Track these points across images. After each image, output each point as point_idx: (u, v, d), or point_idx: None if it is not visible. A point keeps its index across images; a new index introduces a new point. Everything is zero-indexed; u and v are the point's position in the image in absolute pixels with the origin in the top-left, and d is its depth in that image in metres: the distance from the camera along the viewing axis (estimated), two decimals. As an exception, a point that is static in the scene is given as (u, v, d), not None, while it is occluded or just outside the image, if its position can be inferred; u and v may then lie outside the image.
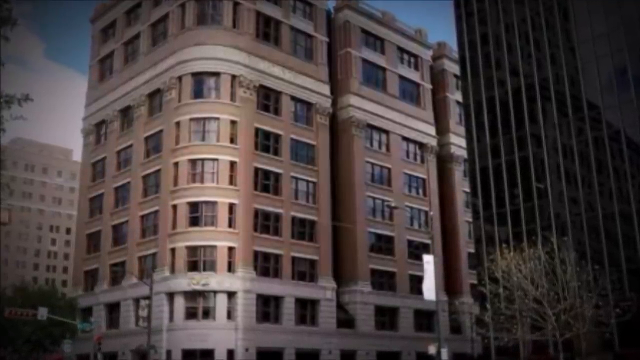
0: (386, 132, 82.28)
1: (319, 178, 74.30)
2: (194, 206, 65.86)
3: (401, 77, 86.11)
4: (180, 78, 69.75)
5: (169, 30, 73.36)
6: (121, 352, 67.67)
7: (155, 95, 73.64)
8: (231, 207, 66.00)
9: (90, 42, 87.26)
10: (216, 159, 66.96)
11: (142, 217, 71.00)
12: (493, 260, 50.45)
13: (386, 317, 76.50)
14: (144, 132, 73.44)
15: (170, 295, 64.01)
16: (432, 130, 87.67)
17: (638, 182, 54.81)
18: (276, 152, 71.62)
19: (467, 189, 72.83)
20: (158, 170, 69.97)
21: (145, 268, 68.55)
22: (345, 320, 72.51)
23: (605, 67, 57.09)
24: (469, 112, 66.82)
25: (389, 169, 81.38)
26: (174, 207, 66.40)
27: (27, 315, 58.82)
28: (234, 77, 69.48)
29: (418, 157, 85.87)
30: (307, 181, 73.62)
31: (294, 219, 70.97)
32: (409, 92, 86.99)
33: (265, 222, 68.70)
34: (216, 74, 69.34)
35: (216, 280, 63.46)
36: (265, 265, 67.66)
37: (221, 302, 63.56)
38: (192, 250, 64.89)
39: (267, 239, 68.20)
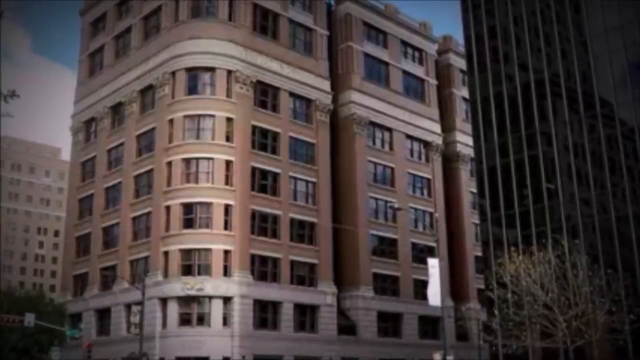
0: (389, 129, 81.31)
1: (319, 178, 73.26)
2: (188, 207, 64.84)
3: (405, 73, 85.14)
4: (173, 73, 68.73)
5: (162, 24, 72.34)
6: (112, 360, 66.72)
7: (147, 92, 72.53)
8: (227, 208, 64.91)
9: (80, 35, 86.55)
10: (211, 158, 65.86)
11: (134, 218, 70.00)
12: (501, 264, 50.46)
13: (389, 324, 75.58)
14: (136, 130, 72.32)
15: (163, 301, 62.92)
16: (437, 128, 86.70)
17: (653, 182, 54.67)
18: (274, 151, 70.53)
19: (474, 190, 72.50)
20: (150, 170, 68.89)
21: (137, 272, 67.47)
22: (347, 327, 71.43)
23: (619, 62, 56.93)
24: (476, 109, 66.44)
25: (392, 169, 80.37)
26: (167, 208, 65.39)
27: (13, 321, 58.04)
28: (229, 72, 68.35)
29: (423, 156, 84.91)
30: (307, 181, 72.57)
31: (292, 220, 69.92)
32: (413, 88, 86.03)
33: (262, 224, 67.59)
34: (211, 69, 68.34)
35: (211, 284, 62.41)
36: (262, 269, 66.61)
37: (216, 308, 62.60)
38: (186, 253, 63.79)
39: (265, 241, 67.11)
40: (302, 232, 70.60)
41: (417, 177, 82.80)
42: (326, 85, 76.36)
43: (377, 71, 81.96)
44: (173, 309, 62.40)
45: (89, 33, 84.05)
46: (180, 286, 61.89)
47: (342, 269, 73.86)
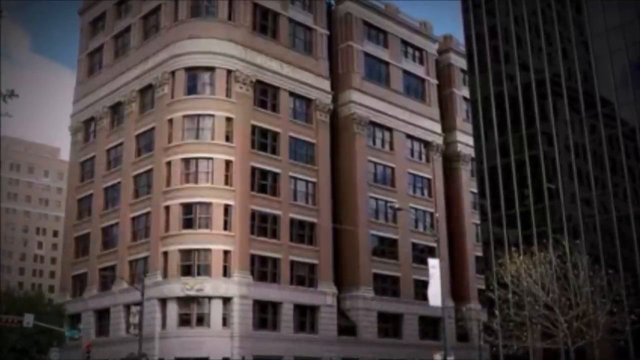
0: (389, 129, 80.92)
1: (319, 178, 72.90)
2: (187, 207, 64.52)
3: (405, 72, 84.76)
4: (173, 73, 68.41)
5: (161, 23, 72.04)
6: (111, 361, 66.35)
7: (146, 91, 72.20)
8: (227, 208, 64.59)
9: (79, 35, 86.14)
10: (211, 158, 65.55)
11: (133, 219, 69.65)
12: (502, 264, 50.10)
13: (389, 324, 75.24)
14: (135, 130, 71.99)
15: (163, 301, 62.65)
16: (437, 128, 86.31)
17: (655, 182, 54.20)
18: (274, 151, 70.18)
19: (475, 190, 72.07)
20: (150, 170, 68.56)
21: (136, 272, 67.10)
22: (347, 328, 71.08)
23: (620, 62, 56.37)
24: (476, 109, 66.01)
25: (393, 169, 79.98)
26: (167, 208, 65.06)
27: (12, 322, 57.61)
28: (229, 72, 68.03)
29: (423, 156, 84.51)
30: (307, 181, 72.22)
31: (292, 220, 69.57)
32: (414, 88, 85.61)
33: (262, 224, 67.25)
34: (211, 69, 68.02)
35: (211, 285, 62.10)
36: (262, 269, 66.26)
37: (216, 308, 62.27)
38: (186, 253, 63.47)
39: (265, 242, 66.76)
40: (302, 232, 70.23)
41: (417, 177, 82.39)
42: (326, 84, 75.99)
43: (377, 71, 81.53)
44: (172, 310, 62.09)
45: (88, 32, 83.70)
46: (180, 286, 61.59)
47: (342, 269, 73.43)
